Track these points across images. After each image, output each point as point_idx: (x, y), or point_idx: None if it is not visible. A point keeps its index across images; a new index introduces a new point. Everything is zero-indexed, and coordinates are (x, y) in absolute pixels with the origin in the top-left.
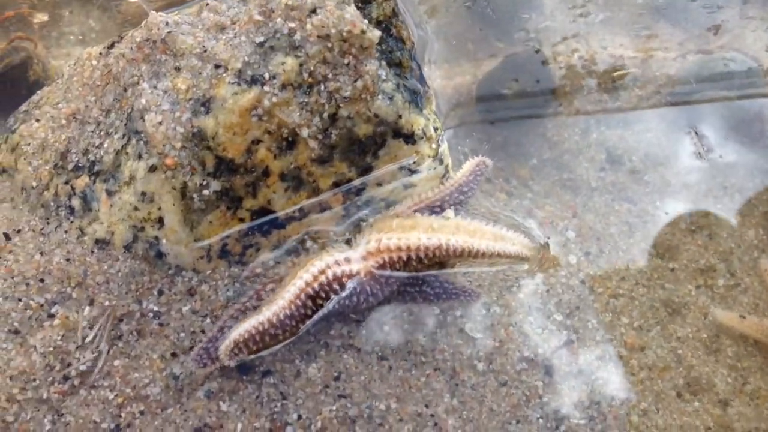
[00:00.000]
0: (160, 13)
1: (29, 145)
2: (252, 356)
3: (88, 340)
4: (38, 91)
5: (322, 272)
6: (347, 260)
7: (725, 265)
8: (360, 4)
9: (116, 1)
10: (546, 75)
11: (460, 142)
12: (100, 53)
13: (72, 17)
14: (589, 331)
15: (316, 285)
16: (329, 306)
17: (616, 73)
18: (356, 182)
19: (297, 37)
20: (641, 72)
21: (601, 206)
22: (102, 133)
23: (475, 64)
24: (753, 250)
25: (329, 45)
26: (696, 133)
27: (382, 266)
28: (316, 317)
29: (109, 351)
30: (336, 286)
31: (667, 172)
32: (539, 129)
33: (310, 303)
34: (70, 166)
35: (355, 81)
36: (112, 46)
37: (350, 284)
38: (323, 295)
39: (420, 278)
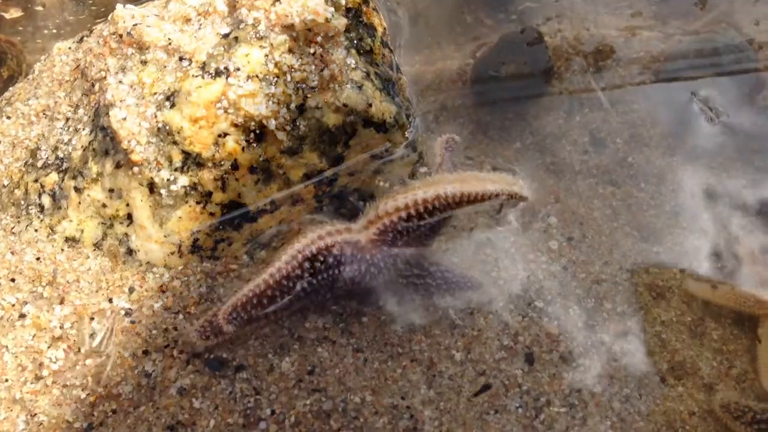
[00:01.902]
0: (127, 5)
1: (0, 143)
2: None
3: (95, 344)
4: (11, 87)
5: (321, 237)
6: (348, 229)
7: (710, 246)
8: None
9: None
10: (532, 57)
11: (442, 128)
12: (70, 48)
13: (46, 11)
14: (570, 318)
15: (313, 248)
16: (333, 273)
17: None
18: (328, 173)
19: (261, 27)
20: (625, 52)
21: (585, 190)
22: (71, 129)
23: (457, 48)
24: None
25: (294, 34)
26: (699, 100)
27: (383, 232)
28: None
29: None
30: (336, 252)
31: (652, 153)
32: (523, 112)
33: (307, 265)
34: (40, 164)
35: (322, 70)
36: (81, 40)
37: (354, 255)
38: (321, 259)
39: (424, 269)
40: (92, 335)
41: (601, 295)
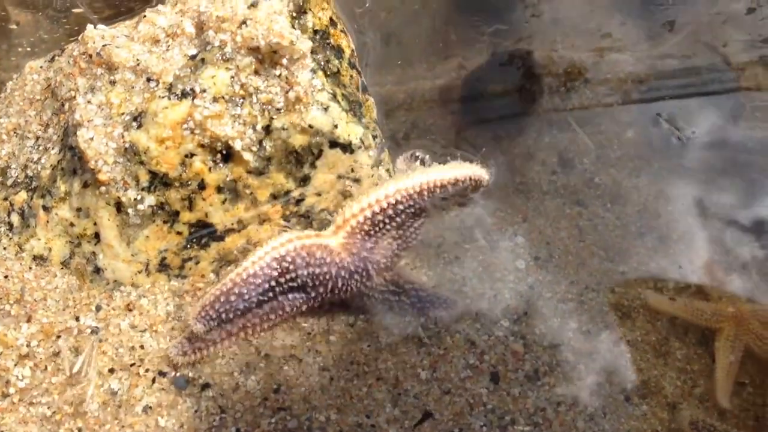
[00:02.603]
0: (98, 26)
1: None
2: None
3: (75, 370)
4: None
5: (290, 240)
6: (317, 235)
7: (675, 268)
8: (295, 14)
9: (64, 12)
10: (501, 78)
11: (412, 147)
12: (41, 67)
13: (20, 29)
14: (536, 337)
15: (282, 249)
16: (302, 274)
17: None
18: (295, 193)
19: (228, 49)
20: (594, 73)
21: (552, 210)
22: (40, 148)
23: (428, 68)
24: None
25: (260, 57)
26: (666, 120)
27: (351, 234)
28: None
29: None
30: (304, 254)
31: (619, 174)
32: (492, 133)
33: (275, 265)
34: (10, 182)
35: (287, 92)
36: (53, 59)
37: (323, 258)
38: (289, 259)
39: (400, 287)
40: (111, 371)
41: (567, 315)
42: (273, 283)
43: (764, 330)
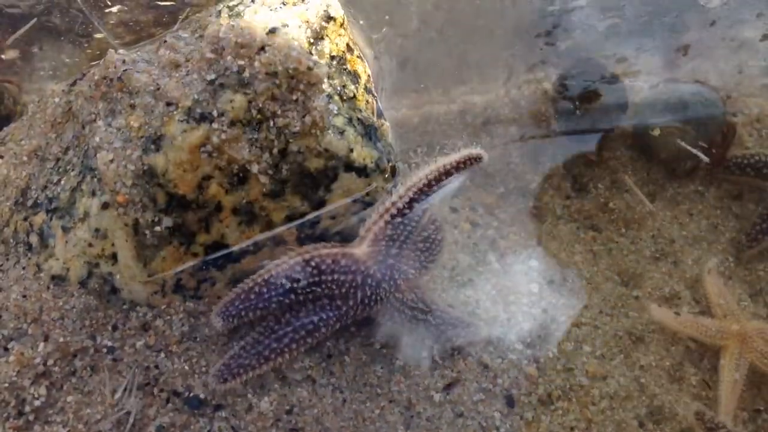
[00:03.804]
0: (120, 50)
1: None
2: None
3: (117, 396)
4: (5, 128)
5: (315, 248)
6: (342, 245)
7: (690, 293)
8: (312, 40)
9: (86, 38)
10: (515, 104)
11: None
12: (63, 90)
13: (43, 53)
14: (550, 360)
15: (306, 255)
16: (327, 279)
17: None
18: (310, 216)
19: (246, 74)
20: (609, 98)
21: (566, 234)
22: (60, 170)
23: (444, 92)
24: (719, 278)
25: (277, 82)
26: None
27: (375, 241)
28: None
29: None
30: (329, 261)
31: (632, 199)
32: (507, 157)
33: (299, 268)
34: (30, 203)
35: (304, 116)
36: (74, 83)
37: (348, 265)
38: (314, 264)
39: (427, 305)
40: (126, 390)
41: (581, 339)
42: (295, 285)
43: None
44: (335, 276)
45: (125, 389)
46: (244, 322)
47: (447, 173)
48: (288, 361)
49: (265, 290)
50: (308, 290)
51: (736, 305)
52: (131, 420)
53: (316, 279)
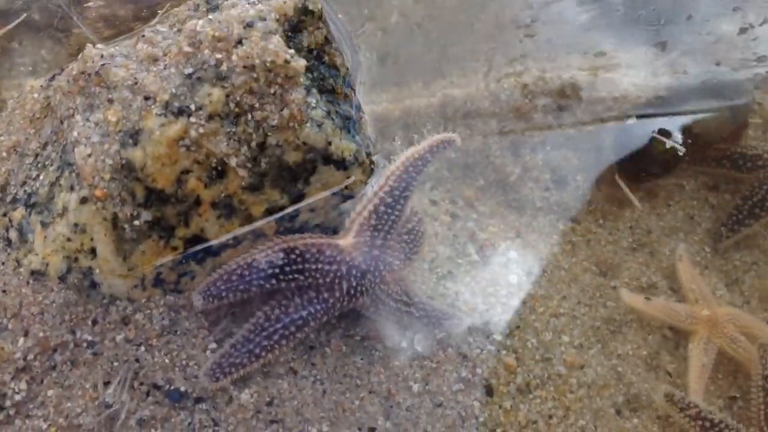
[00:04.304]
0: (98, 45)
1: None
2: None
3: (109, 391)
4: None
5: (302, 237)
6: (327, 237)
7: (667, 282)
8: (290, 33)
9: (65, 33)
10: (495, 97)
11: None
12: (42, 86)
13: (22, 48)
14: (528, 351)
15: (291, 243)
16: (311, 268)
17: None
18: (289, 209)
19: (224, 68)
20: (588, 92)
21: (545, 226)
22: (39, 165)
23: (424, 86)
24: (695, 267)
25: (255, 75)
26: (660, 136)
27: (360, 232)
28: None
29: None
30: (314, 250)
31: (610, 191)
32: (487, 150)
33: (282, 255)
34: (9, 199)
35: (282, 110)
36: (53, 78)
37: (333, 255)
38: (298, 252)
39: (410, 298)
40: (106, 383)
41: (559, 329)
42: (277, 270)
43: (738, 333)
44: (319, 265)
45: (118, 383)
46: (223, 304)
47: (422, 159)
48: (278, 357)
49: (247, 273)
50: (290, 277)
51: (708, 291)
52: (123, 415)
53: (300, 267)
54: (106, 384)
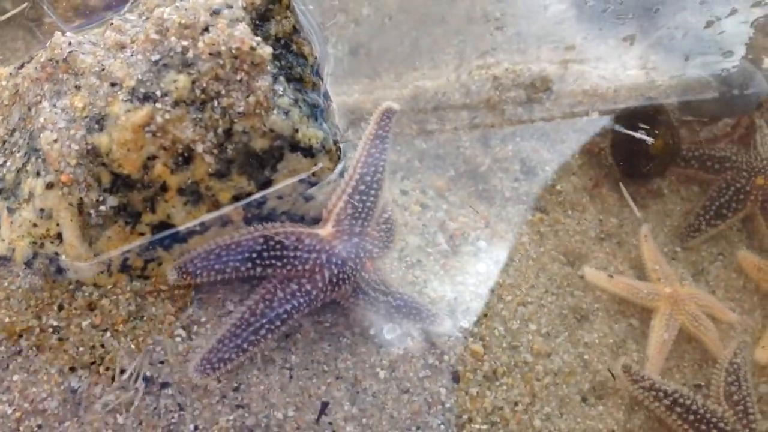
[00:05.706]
0: (67, 33)
1: None
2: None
3: (124, 377)
4: None
5: (282, 225)
6: (306, 227)
7: (634, 272)
8: (258, 21)
9: (36, 22)
10: (466, 89)
11: None
12: (11, 74)
13: None
14: (496, 338)
15: (272, 230)
16: (290, 255)
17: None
18: (256, 195)
19: (190, 54)
20: (558, 85)
21: (514, 216)
22: (6, 152)
23: (396, 77)
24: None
25: (221, 62)
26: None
27: (339, 221)
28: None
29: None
30: (293, 238)
31: (579, 182)
32: (457, 141)
33: (261, 240)
34: None
35: (248, 96)
36: (22, 66)
37: (312, 244)
38: (277, 239)
39: (387, 288)
40: (122, 371)
41: (527, 317)
42: (254, 255)
43: (700, 311)
44: (298, 253)
45: (132, 373)
46: (196, 283)
47: (376, 136)
48: (262, 349)
49: (224, 254)
50: (267, 263)
51: (671, 270)
52: (136, 402)
53: (278, 253)
54: (72, 369)
